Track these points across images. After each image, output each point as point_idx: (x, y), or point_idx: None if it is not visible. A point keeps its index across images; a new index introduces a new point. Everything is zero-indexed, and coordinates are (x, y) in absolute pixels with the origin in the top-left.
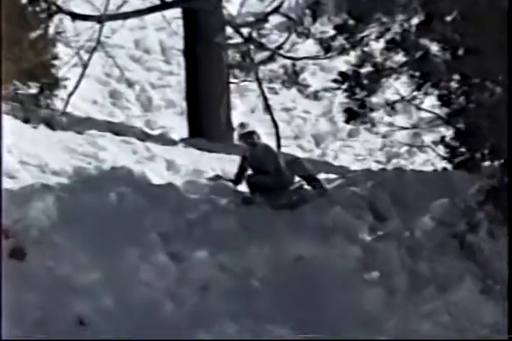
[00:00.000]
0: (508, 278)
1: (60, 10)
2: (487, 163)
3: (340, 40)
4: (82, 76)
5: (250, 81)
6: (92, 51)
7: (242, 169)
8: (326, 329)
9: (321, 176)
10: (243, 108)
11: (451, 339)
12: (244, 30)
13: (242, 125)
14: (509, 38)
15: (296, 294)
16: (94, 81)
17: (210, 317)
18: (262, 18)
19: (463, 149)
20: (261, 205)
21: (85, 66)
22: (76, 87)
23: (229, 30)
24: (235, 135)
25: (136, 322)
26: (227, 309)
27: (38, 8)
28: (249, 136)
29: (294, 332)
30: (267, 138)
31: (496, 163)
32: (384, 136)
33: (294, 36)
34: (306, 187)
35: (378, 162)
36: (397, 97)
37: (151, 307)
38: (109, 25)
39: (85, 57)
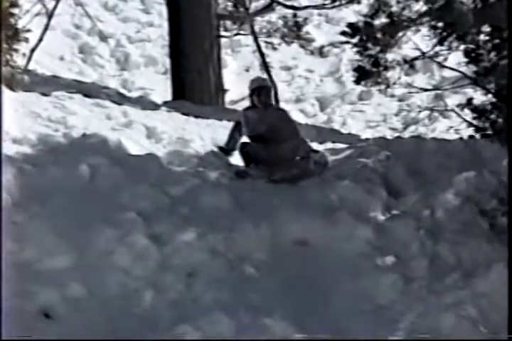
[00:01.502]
0: (508, 278)
1: None
2: None
3: None
4: (46, 27)
5: (244, 34)
6: None
7: (234, 136)
8: (331, 323)
9: (327, 146)
10: (236, 66)
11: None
12: None
13: (257, 79)
14: (509, 38)
15: (298, 283)
16: (61, 33)
17: (197, 308)
18: None
19: (493, 114)
20: (257, 179)
21: (50, 15)
22: (40, 40)
23: None
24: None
25: (111, 314)
26: (217, 299)
27: None
28: (266, 93)
29: (295, 327)
30: None
31: None
32: (400, 99)
33: None
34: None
35: (393, 129)
36: (416, 53)
37: (128, 297)
38: None
39: (50, 5)
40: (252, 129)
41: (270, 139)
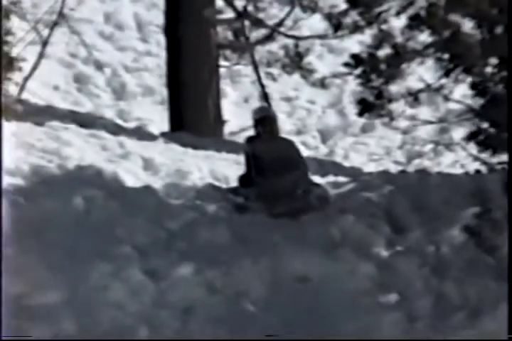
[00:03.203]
0: (508, 276)
1: None
2: None
3: (353, 16)
4: (41, 56)
5: (244, 64)
6: (52, 26)
7: (250, 168)
8: None
9: (329, 179)
10: (235, 96)
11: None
12: (238, 3)
13: (262, 109)
14: (509, 37)
15: (298, 320)
16: (56, 62)
17: None
18: None
19: (499, 148)
20: (257, 213)
21: (45, 44)
22: (34, 68)
23: (219, 2)
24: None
25: None
26: (215, 337)
27: None
28: (271, 124)
29: None
30: None
31: None
32: (405, 132)
33: (297, 10)
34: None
35: (397, 163)
36: (421, 85)
37: (122, 334)
38: None
39: (45, 33)
40: (255, 159)
41: (273, 170)
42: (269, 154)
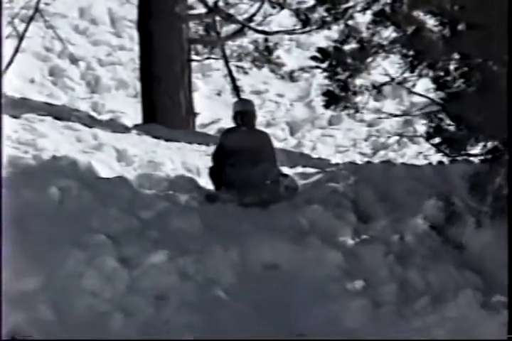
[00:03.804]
0: (507, 274)
1: None
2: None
3: (320, 12)
4: (17, 50)
5: (215, 58)
6: (28, 21)
7: (219, 160)
8: None
9: (297, 170)
10: (206, 90)
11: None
12: None
13: (245, 102)
14: (509, 37)
15: (267, 306)
16: (32, 56)
17: (167, 331)
18: None
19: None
20: (227, 203)
21: (21, 38)
22: (10, 62)
23: None
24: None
25: (79, 336)
26: (187, 323)
27: None
28: (250, 117)
29: None
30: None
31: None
32: (370, 125)
33: (266, 6)
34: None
35: (363, 154)
36: (385, 79)
37: (97, 320)
38: None
39: (21, 27)
40: (229, 149)
41: (246, 161)
42: (245, 145)
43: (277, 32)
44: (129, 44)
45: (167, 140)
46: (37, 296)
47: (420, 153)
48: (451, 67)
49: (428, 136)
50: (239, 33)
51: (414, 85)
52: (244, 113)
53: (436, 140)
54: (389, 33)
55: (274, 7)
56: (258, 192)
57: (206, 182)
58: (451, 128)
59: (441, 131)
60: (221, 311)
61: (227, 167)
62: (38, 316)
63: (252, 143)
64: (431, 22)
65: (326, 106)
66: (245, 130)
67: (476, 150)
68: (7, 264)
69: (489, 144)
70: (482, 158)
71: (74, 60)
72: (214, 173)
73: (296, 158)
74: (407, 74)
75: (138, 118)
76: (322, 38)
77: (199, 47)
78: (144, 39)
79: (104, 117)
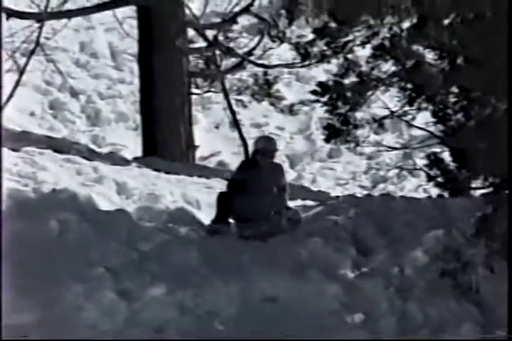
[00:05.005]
0: (508, 276)
1: None
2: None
3: (320, 46)
4: (17, 83)
5: (215, 92)
6: (29, 54)
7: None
8: None
9: (297, 203)
10: (206, 123)
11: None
12: (209, 33)
13: (269, 141)
14: (509, 42)
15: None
16: (32, 89)
17: None
18: (229, 19)
19: (460, 173)
20: (227, 235)
21: (22, 72)
22: (10, 96)
23: (191, 32)
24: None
25: None
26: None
27: None
28: (272, 155)
29: None
30: (234, 158)
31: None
32: (369, 158)
33: (266, 40)
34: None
35: (363, 187)
36: (385, 112)
37: None
38: (50, 24)
39: (22, 61)
40: (243, 180)
41: (257, 190)
42: (259, 177)
43: (277, 65)
44: (129, 77)
45: (167, 173)
46: (35, 330)
47: (420, 186)
48: (451, 100)
49: (430, 178)
50: (239, 66)
51: (413, 118)
52: (269, 152)
53: (439, 179)
54: (388, 66)
55: (273, 41)
56: (261, 223)
57: (206, 215)
58: (452, 166)
59: (446, 173)
60: None
61: (237, 194)
62: None
63: (267, 176)
64: (430, 56)
65: (327, 139)
66: (265, 165)
67: (476, 183)
68: (6, 297)
69: (490, 178)
70: (482, 191)
71: (74, 94)
72: (222, 198)
73: (296, 191)
74: (406, 108)
75: (138, 151)
76: (322, 72)
77: (199, 80)
78: (144, 72)
79: (104, 150)
